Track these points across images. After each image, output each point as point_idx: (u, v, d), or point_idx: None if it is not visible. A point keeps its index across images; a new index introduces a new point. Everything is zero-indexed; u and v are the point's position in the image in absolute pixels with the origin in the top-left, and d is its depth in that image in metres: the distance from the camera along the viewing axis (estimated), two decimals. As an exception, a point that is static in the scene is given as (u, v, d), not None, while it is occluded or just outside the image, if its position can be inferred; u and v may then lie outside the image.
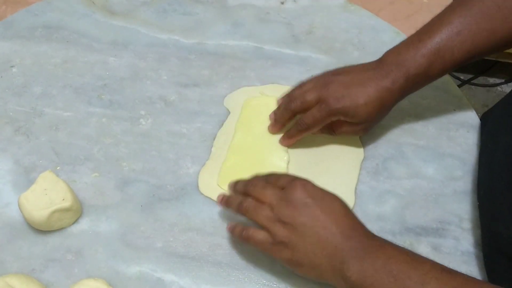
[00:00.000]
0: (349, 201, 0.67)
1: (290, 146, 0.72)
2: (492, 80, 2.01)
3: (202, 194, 0.68)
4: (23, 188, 0.66)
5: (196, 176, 0.70)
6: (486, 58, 0.66)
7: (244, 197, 0.59)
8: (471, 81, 1.97)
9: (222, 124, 0.76)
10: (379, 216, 0.66)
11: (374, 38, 0.89)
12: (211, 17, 0.93)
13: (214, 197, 0.68)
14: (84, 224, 0.65)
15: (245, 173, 0.69)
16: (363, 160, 0.72)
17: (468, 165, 0.71)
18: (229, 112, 0.78)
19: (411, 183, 0.70)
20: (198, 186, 0.69)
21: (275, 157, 0.72)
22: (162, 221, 0.66)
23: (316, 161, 0.72)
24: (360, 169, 0.71)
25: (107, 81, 0.82)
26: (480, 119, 0.77)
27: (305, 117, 0.66)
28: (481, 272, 0.62)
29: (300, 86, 0.69)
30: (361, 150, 0.73)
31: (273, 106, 0.78)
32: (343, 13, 0.94)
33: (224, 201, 0.61)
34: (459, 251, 0.63)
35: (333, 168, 0.71)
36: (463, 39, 0.59)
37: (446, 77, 0.83)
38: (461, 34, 0.59)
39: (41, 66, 0.84)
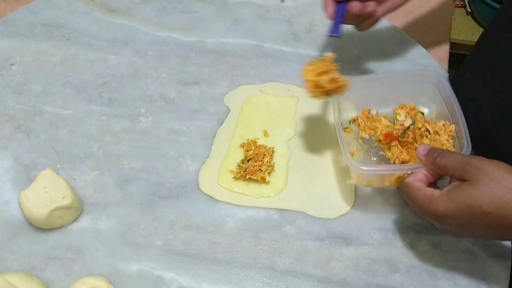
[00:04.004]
0: (349, 199, 0.67)
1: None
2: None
3: (202, 192, 0.68)
4: (23, 186, 0.66)
5: (196, 174, 0.70)
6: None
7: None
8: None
9: (222, 122, 0.76)
10: (379, 215, 0.66)
11: (374, 36, 0.88)
12: (211, 15, 0.93)
13: (214, 195, 0.68)
14: (84, 222, 0.65)
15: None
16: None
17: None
18: (229, 110, 0.78)
19: (411, 181, 0.70)
20: (198, 184, 0.69)
21: (276, 156, 0.72)
22: (162, 219, 0.66)
23: (316, 160, 0.72)
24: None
25: (107, 79, 0.82)
26: (451, 83, 0.79)
27: None
28: (480, 269, 0.62)
29: None
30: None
31: (273, 104, 0.78)
32: (343, 11, 0.94)
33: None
34: (459, 249, 0.63)
35: (333, 166, 0.71)
36: None
37: (447, 76, 0.83)
38: None
39: (41, 64, 0.84)
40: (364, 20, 0.71)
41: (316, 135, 0.75)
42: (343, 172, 0.70)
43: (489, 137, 0.67)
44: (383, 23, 0.91)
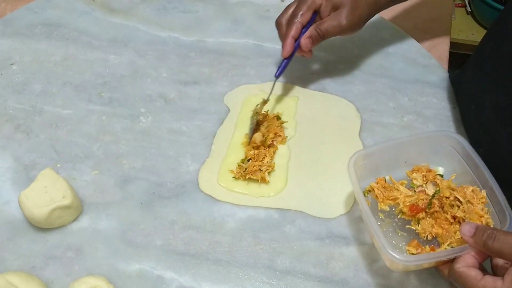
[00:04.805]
0: (349, 199, 0.67)
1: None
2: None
3: (202, 191, 0.68)
4: (23, 185, 0.66)
5: (196, 174, 0.70)
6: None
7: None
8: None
9: (222, 122, 0.76)
10: (379, 214, 0.66)
11: (374, 35, 0.89)
12: (211, 14, 0.93)
13: (214, 194, 0.68)
14: (84, 221, 0.65)
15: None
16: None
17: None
18: (229, 110, 0.78)
19: (411, 180, 0.70)
20: (198, 184, 0.69)
21: (276, 155, 0.72)
22: (162, 218, 0.66)
23: (316, 160, 0.72)
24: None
25: (107, 79, 0.82)
26: (451, 81, 0.81)
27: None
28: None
29: None
30: (360, 148, 0.73)
31: (273, 103, 0.78)
32: (343, 11, 0.94)
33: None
34: (458, 248, 0.63)
35: (333, 166, 0.71)
36: None
37: (446, 76, 0.83)
38: None
39: (41, 63, 0.84)
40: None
41: (316, 135, 0.75)
42: (343, 172, 0.70)
43: (492, 139, 0.67)
44: (383, 23, 0.91)
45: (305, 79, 0.82)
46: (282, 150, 0.72)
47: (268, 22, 0.91)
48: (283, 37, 0.73)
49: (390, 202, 0.61)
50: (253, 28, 0.90)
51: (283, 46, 0.72)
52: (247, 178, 0.68)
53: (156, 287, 0.60)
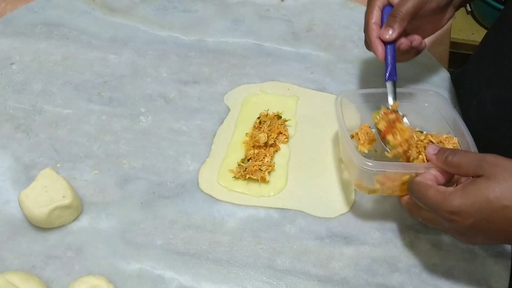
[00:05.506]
0: (349, 199, 0.67)
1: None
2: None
3: (202, 191, 0.68)
4: (23, 185, 0.66)
5: (196, 173, 0.70)
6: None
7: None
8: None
9: (222, 122, 0.76)
10: (379, 214, 0.66)
11: (374, 35, 0.88)
12: (211, 14, 0.93)
13: (214, 194, 0.68)
14: (84, 221, 0.65)
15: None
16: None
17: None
18: (229, 109, 0.78)
19: (411, 180, 0.70)
20: (198, 184, 0.69)
21: (276, 155, 0.72)
22: (162, 218, 0.66)
23: (316, 160, 0.72)
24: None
25: (107, 78, 0.82)
26: (452, 80, 0.82)
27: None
28: (480, 269, 0.62)
29: None
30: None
31: (273, 103, 0.78)
32: (343, 10, 0.94)
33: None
34: (458, 248, 0.63)
35: (333, 166, 0.71)
36: None
37: (447, 76, 0.83)
38: None
39: (41, 63, 0.84)
40: (407, 53, 0.69)
41: (316, 134, 0.75)
42: (343, 172, 0.70)
43: (492, 134, 0.68)
44: (383, 22, 0.91)
45: (305, 79, 0.82)
46: (282, 149, 0.72)
47: (268, 22, 0.91)
48: (370, 44, 0.67)
49: (369, 146, 0.64)
50: (253, 27, 0.90)
51: (374, 51, 0.66)
52: (247, 177, 0.68)
53: (156, 286, 0.60)
